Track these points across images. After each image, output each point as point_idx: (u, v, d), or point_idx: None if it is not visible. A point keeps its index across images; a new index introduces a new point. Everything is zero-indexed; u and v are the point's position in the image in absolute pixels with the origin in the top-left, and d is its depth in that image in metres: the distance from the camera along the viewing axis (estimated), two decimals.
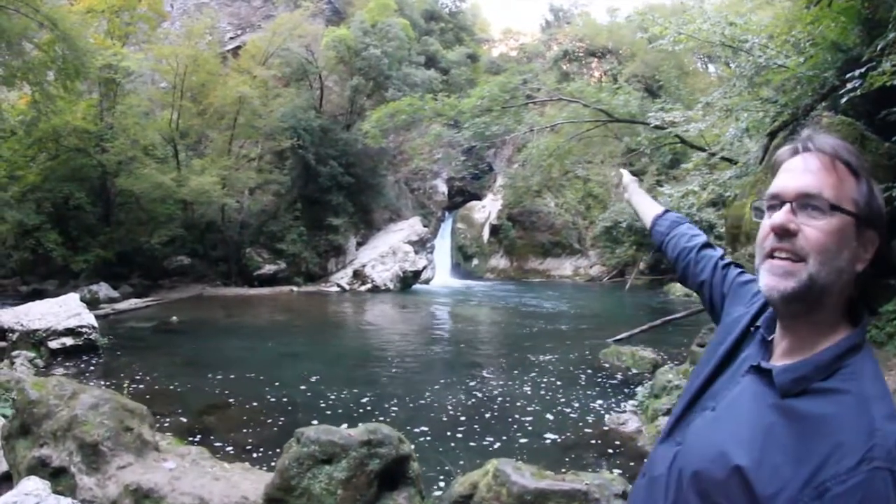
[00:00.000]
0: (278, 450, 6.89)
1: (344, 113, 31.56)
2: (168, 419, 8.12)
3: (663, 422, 7.59)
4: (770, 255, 1.22)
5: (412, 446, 4.61)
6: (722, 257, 1.84)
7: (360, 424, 4.53)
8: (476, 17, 54.42)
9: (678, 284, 26.12)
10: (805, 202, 1.20)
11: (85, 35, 19.75)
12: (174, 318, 17.03)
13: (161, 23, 28.70)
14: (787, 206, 1.21)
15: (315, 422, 8.13)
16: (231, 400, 9.25)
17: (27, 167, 22.33)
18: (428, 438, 7.68)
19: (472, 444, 7.62)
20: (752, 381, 1.27)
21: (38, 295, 16.38)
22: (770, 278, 1.21)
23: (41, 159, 22.93)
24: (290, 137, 27.08)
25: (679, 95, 27.43)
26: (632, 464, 6.87)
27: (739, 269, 1.77)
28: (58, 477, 4.39)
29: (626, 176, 2.39)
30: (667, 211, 2.13)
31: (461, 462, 6.76)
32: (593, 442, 7.74)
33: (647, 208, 2.21)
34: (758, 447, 1.13)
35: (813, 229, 1.17)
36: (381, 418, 8.45)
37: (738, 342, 1.44)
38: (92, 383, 9.95)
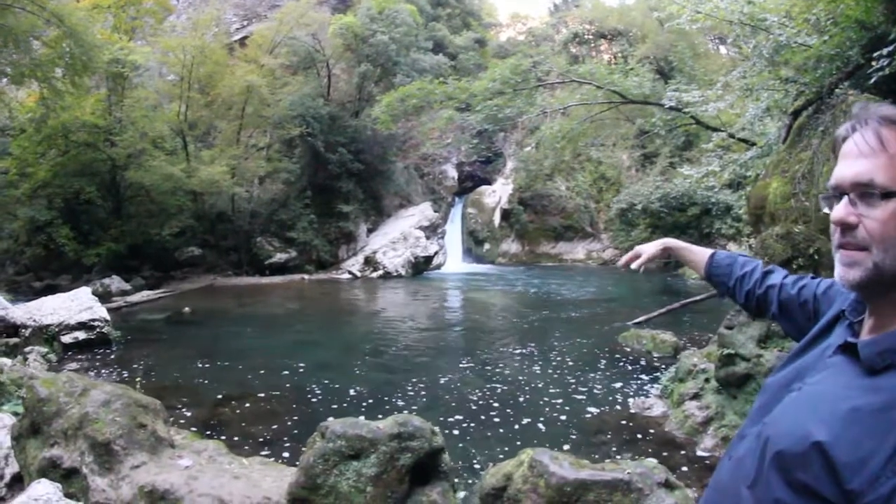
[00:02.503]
0: (297, 442, 6.82)
1: (352, 100, 31.35)
2: (183, 412, 8.03)
3: (690, 406, 7.47)
4: (839, 247, 1.23)
5: (440, 433, 4.40)
6: (799, 280, 1.83)
7: (389, 417, 4.32)
8: (483, 1, 54.01)
9: None
10: (861, 191, 1.19)
11: (91, 30, 19.56)
12: (186, 308, 16.96)
13: (167, 16, 28.56)
14: (844, 199, 1.21)
15: (332, 412, 8.03)
16: (246, 391, 9.13)
17: (37, 164, 22.26)
18: (449, 426, 7.54)
19: (494, 431, 7.49)
20: (839, 361, 1.26)
21: (52, 290, 16.31)
22: (840, 269, 1.24)
23: (51, 156, 22.86)
24: (298, 125, 26.93)
25: (693, 76, 26.97)
26: (660, 451, 6.72)
27: (816, 280, 1.77)
28: (69, 478, 4.23)
29: (668, 242, 2.28)
30: (714, 253, 2.13)
31: (486, 451, 6.65)
32: (618, 427, 7.59)
33: (697, 256, 2.19)
34: (839, 423, 1.10)
35: (871, 220, 1.17)
36: (399, 406, 8.34)
37: (828, 328, 1.44)
38: (105, 377, 9.93)
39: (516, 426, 7.63)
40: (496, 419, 7.89)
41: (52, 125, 21.86)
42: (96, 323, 11.98)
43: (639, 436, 7.28)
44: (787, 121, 9.92)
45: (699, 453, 6.76)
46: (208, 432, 7.17)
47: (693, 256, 2.19)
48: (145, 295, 19.69)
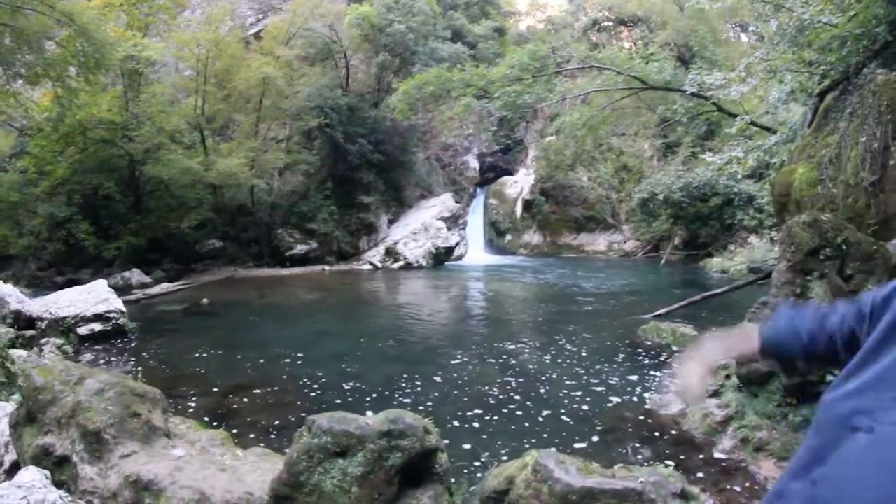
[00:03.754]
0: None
1: (371, 91, 31.24)
2: (192, 402, 7.96)
3: (709, 404, 7.19)
4: None
5: (441, 437, 4.14)
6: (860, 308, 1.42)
7: (381, 413, 4.10)
8: None
9: (715, 259, 25.66)
10: None
11: (103, 28, 19.60)
12: (204, 300, 16.94)
13: (181, 12, 28.55)
14: None
15: (342, 403, 7.90)
16: (258, 381, 9.03)
17: (56, 162, 22.43)
18: (461, 420, 7.39)
19: (506, 426, 7.31)
20: None
21: (74, 285, 16.28)
22: None
23: (69, 153, 23.01)
24: (316, 117, 26.84)
25: (714, 61, 26.52)
26: (676, 451, 6.51)
27: (870, 296, 1.39)
28: (61, 466, 4.14)
29: (706, 356, 1.82)
30: (762, 336, 1.70)
31: (497, 447, 6.47)
32: (634, 425, 7.36)
33: (744, 344, 1.77)
34: None
35: None
36: (410, 398, 8.20)
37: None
38: (119, 367, 9.90)
39: (529, 421, 7.44)
40: (509, 414, 7.71)
41: (69, 123, 21.98)
42: (112, 314, 11.96)
43: (654, 434, 7.05)
44: (813, 103, 9.64)
45: (717, 455, 6.51)
46: (215, 422, 7.07)
47: (740, 347, 1.80)
48: (164, 287, 19.71)
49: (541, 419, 7.51)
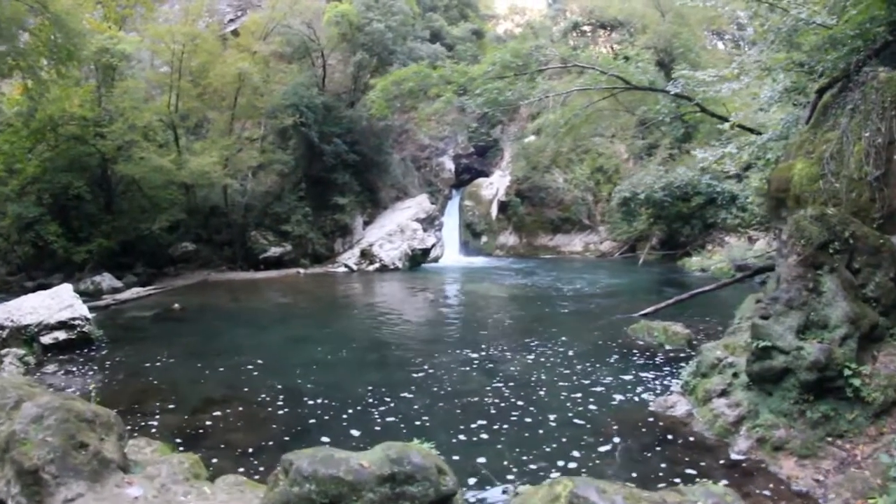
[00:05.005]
0: (283, 452, 6.22)
1: (347, 91, 30.73)
2: (159, 419, 7.49)
3: (718, 404, 6.97)
4: None
5: (441, 458, 3.52)
6: None
7: (377, 447, 3.41)
8: None
9: (693, 259, 25.62)
10: None
11: (77, 17, 18.87)
12: (176, 305, 16.40)
13: (159, 7, 27.78)
14: None
15: (324, 418, 7.42)
16: (232, 393, 8.59)
17: (25, 159, 21.58)
18: (451, 433, 7.01)
19: (503, 437, 6.94)
20: None
21: (44, 290, 15.72)
22: None
23: (39, 150, 22.20)
24: (291, 115, 26.27)
25: (698, 63, 26.42)
26: (689, 455, 6.20)
27: None
28: None
29: None
30: None
31: (503, 464, 6.13)
32: (640, 429, 7.10)
33: None
34: None
35: None
36: (397, 411, 7.78)
37: None
38: (83, 379, 9.34)
39: (530, 431, 7.10)
40: (504, 424, 7.35)
41: (40, 118, 21.26)
42: (77, 322, 11.37)
43: (665, 438, 6.77)
44: (812, 100, 9.50)
45: (734, 456, 6.25)
46: (184, 443, 6.61)
47: None
48: (135, 292, 19.09)
49: (543, 429, 7.17)
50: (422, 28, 35.00)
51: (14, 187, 21.18)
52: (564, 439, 6.79)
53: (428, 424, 7.28)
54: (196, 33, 24.71)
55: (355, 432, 6.99)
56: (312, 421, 7.48)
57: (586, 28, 44.36)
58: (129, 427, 7.09)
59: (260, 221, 27.22)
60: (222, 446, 6.62)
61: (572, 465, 6.17)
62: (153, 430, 6.95)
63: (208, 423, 7.38)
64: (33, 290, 16.97)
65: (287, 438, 6.85)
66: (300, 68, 29.84)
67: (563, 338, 11.88)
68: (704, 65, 26.91)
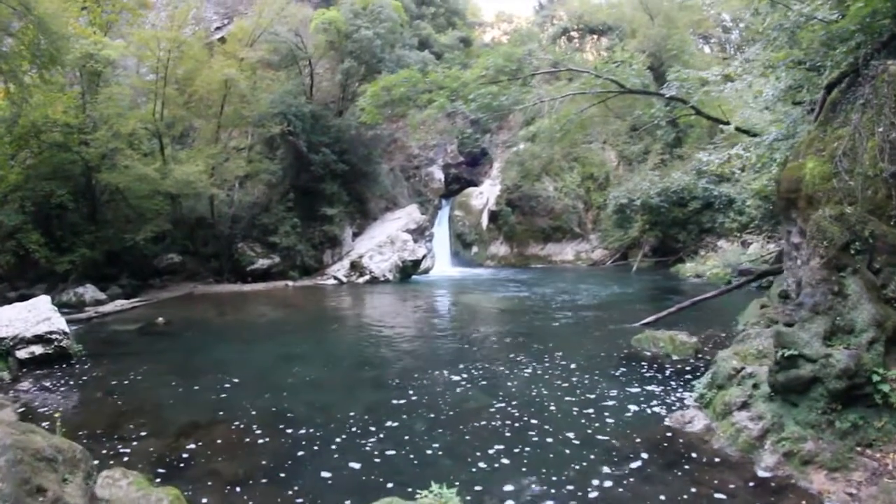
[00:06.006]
0: (273, 485, 5.77)
1: (335, 100, 30.40)
2: (139, 444, 6.97)
3: (739, 417, 6.58)
4: None
5: (459, 486, 3.10)
6: None
7: None
8: (467, 2, 53.27)
9: (687, 265, 25.41)
10: None
11: (61, 20, 18.38)
12: (160, 319, 15.87)
13: (146, 14, 27.33)
14: None
15: (317, 445, 6.94)
16: (218, 415, 8.05)
17: (7, 167, 21.00)
18: (455, 457, 6.57)
19: (510, 459, 6.50)
20: None
21: (26, 300, 15.19)
22: None
23: (22, 157, 21.66)
24: (279, 123, 25.85)
25: (691, 65, 26.24)
26: (713, 474, 5.78)
27: None
28: None
29: None
30: None
31: (509, 489, 5.60)
32: (659, 447, 6.71)
33: None
34: None
35: None
36: (400, 436, 7.26)
37: None
38: (59, 397, 8.80)
39: (545, 452, 6.68)
40: (511, 444, 6.90)
41: (23, 124, 20.73)
42: (54, 336, 10.87)
43: (686, 455, 6.38)
44: (820, 96, 9.18)
45: (761, 473, 5.87)
46: (164, 473, 6.11)
47: None
48: (119, 305, 18.58)
49: (548, 450, 6.78)
50: (410, 36, 34.74)
51: None
52: (586, 462, 6.40)
53: (440, 454, 6.75)
54: (182, 39, 24.28)
55: (354, 465, 6.42)
56: (306, 449, 6.90)
57: (574, 34, 44.32)
58: (105, 451, 6.61)
59: (247, 233, 26.73)
60: (207, 479, 6.06)
61: (607, 483, 5.87)
62: (131, 458, 6.45)
63: (191, 449, 6.86)
64: (16, 300, 16.47)
65: (273, 467, 6.34)
66: (288, 76, 29.45)
67: (563, 350, 11.47)
68: (695, 67, 26.84)
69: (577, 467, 6.24)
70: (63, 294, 19.47)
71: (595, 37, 43.85)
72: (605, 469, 6.18)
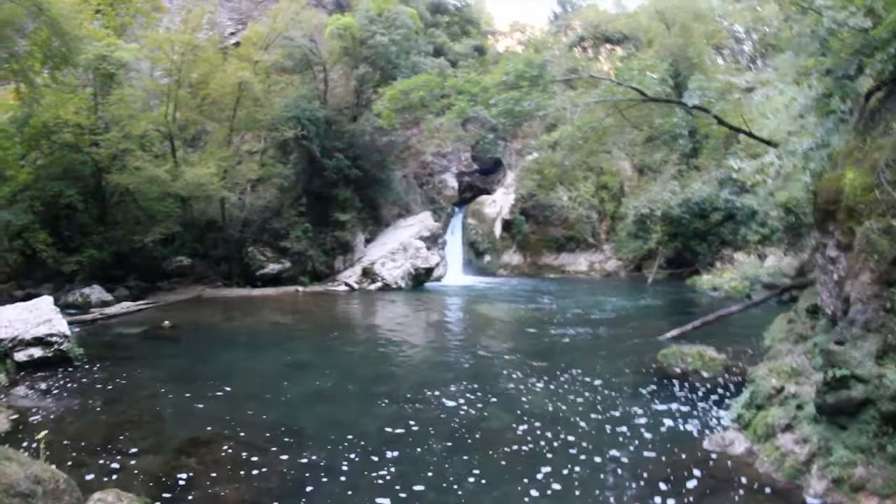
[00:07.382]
0: None
1: (349, 105, 30.12)
2: (136, 460, 6.53)
3: (784, 441, 6.10)
4: None
5: None
6: None
7: None
8: (482, 10, 53.11)
9: (703, 277, 24.89)
10: None
11: (74, 21, 18.33)
12: (166, 322, 15.55)
13: (161, 18, 27.22)
14: None
15: (328, 464, 6.47)
16: (221, 429, 7.58)
17: (18, 167, 20.86)
18: (475, 479, 6.11)
19: (536, 486, 6.01)
20: None
21: (31, 300, 14.94)
22: None
23: (32, 157, 21.65)
24: (293, 128, 25.55)
25: (713, 74, 25.76)
26: (758, 501, 5.33)
27: None
28: None
29: None
30: None
31: None
32: (699, 471, 6.26)
33: None
34: None
35: None
36: (419, 457, 6.79)
37: None
38: (57, 404, 8.44)
39: (565, 475, 6.24)
40: (536, 467, 6.45)
41: (34, 124, 20.65)
42: (54, 338, 10.52)
43: (728, 481, 6.00)
44: (860, 105, 8.74)
45: (809, 500, 5.44)
46: (163, 494, 5.64)
47: None
48: (125, 306, 18.27)
49: (578, 474, 6.34)
50: (424, 44, 34.55)
51: (5, 194, 20.46)
52: (621, 488, 6.01)
53: (471, 480, 6.19)
54: (196, 43, 24.08)
55: (372, 495, 5.80)
56: (315, 471, 6.38)
57: (589, 44, 43.97)
58: (98, 468, 6.19)
59: (258, 237, 26.48)
60: (207, 501, 5.60)
61: None
62: (126, 477, 6.01)
63: (192, 468, 6.39)
64: (22, 299, 16.24)
65: (280, 492, 5.86)
66: (302, 81, 29.25)
67: (587, 367, 11.02)
68: (713, 78, 26.40)
69: (632, 490, 5.95)
70: (69, 294, 19.41)
71: (610, 47, 43.47)
72: (660, 490, 5.84)
